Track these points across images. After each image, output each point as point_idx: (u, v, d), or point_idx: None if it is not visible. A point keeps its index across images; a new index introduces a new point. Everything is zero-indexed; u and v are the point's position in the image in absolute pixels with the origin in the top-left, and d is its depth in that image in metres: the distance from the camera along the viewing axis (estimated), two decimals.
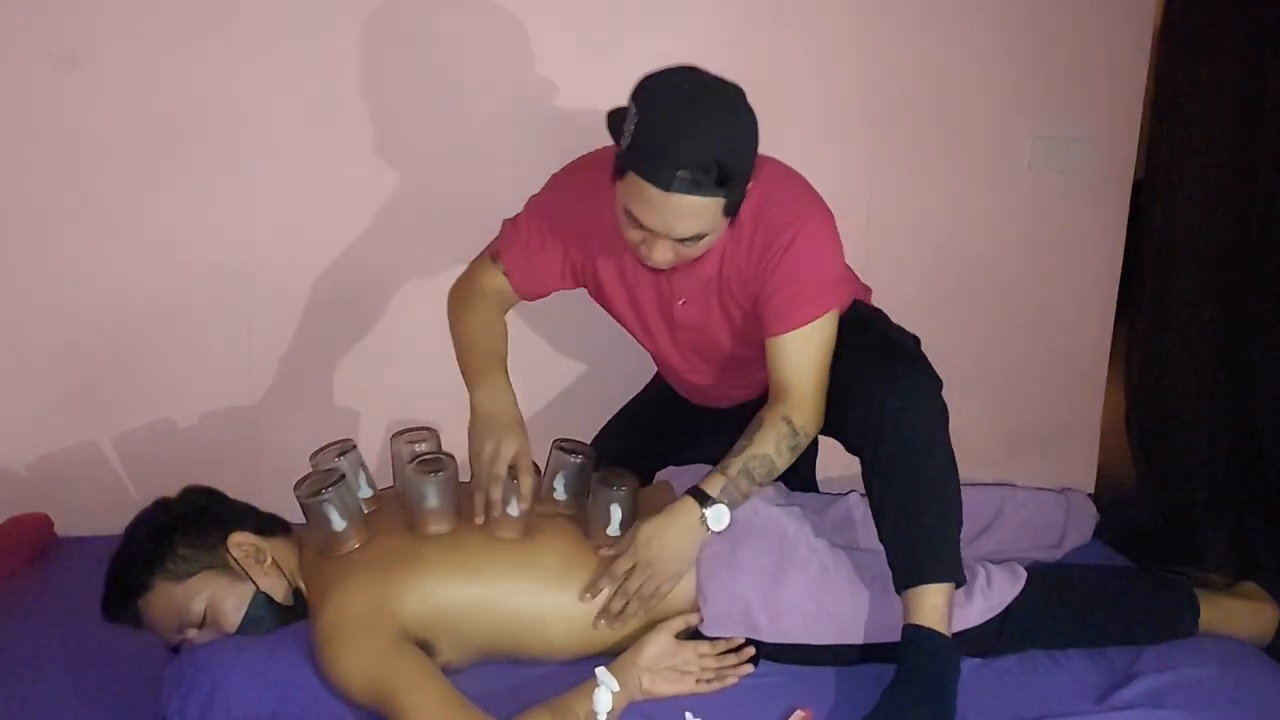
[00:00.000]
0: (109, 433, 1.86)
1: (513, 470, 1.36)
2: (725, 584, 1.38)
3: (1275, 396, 1.91)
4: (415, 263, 1.86)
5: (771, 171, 1.32)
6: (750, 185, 1.28)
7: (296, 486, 1.40)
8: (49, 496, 1.82)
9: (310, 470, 1.47)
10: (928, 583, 1.32)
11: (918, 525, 1.34)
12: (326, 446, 1.51)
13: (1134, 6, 1.96)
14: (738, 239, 1.36)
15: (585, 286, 1.54)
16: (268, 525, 1.43)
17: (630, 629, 1.37)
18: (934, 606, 1.31)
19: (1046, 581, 1.44)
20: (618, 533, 1.40)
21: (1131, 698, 1.32)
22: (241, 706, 1.23)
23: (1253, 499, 1.93)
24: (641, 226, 1.25)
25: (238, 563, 1.35)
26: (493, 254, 1.51)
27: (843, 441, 1.43)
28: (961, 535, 1.61)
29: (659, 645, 1.33)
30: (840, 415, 1.40)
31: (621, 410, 1.80)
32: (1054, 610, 1.43)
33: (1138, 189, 2.07)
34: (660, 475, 1.58)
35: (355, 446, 1.50)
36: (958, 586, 1.34)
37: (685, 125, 1.19)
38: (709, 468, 1.39)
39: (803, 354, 1.39)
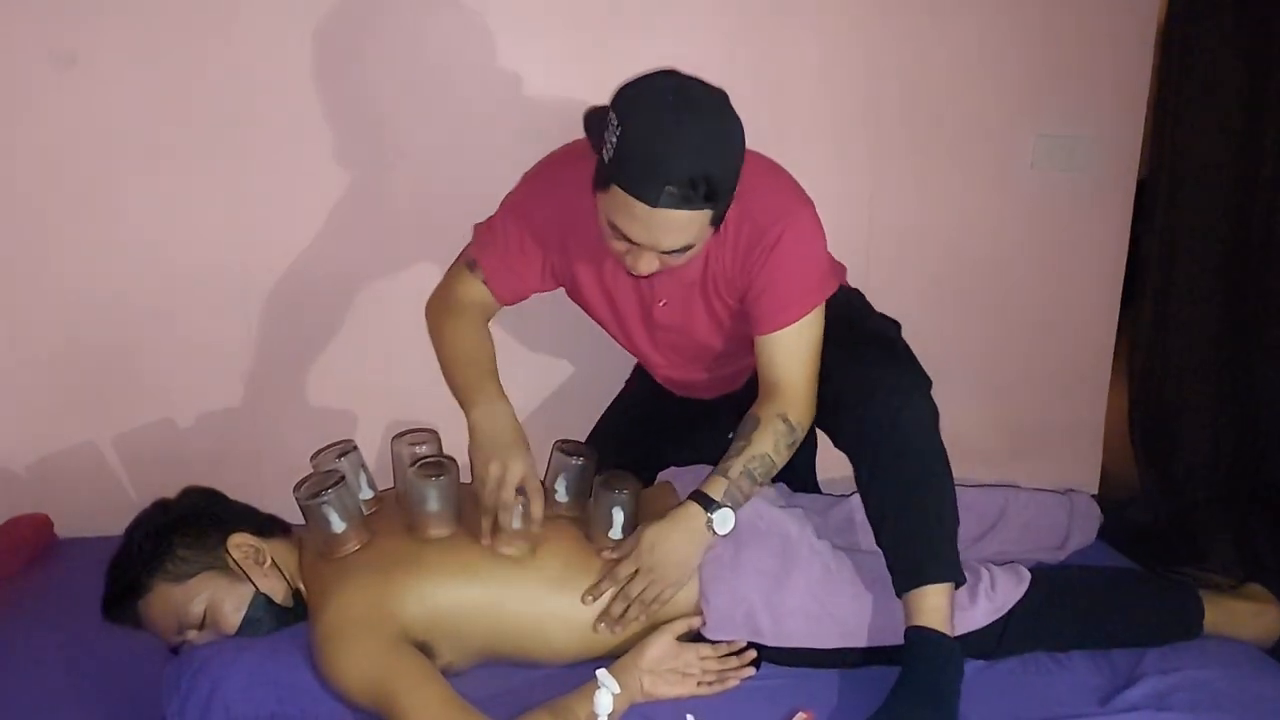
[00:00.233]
0: (109, 433, 1.86)
1: (520, 493, 1.33)
2: (728, 586, 1.37)
3: (1279, 397, 1.91)
4: (416, 263, 1.85)
5: (753, 167, 1.28)
6: None
7: (296, 488, 1.40)
8: (48, 497, 1.82)
9: (310, 471, 1.46)
10: (928, 584, 1.31)
11: (916, 527, 1.34)
12: (327, 447, 1.50)
13: (1137, 4, 1.95)
14: (722, 239, 1.35)
15: (563, 285, 1.52)
16: (267, 526, 1.43)
17: (631, 632, 1.36)
18: (936, 608, 1.31)
19: (1050, 583, 1.44)
20: (620, 535, 1.40)
21: (1135, 700, 1.32)
22: (241, 708, 1.23)
23: (1257, 500, 1.92)
24: (627, 239, 1.23)
25: (237, 564, 1.35)
26: (468, 262, 1.46)
27: (833, 440, 1.42)
28: (965, 536, 1.61)
29: (660, 647, 1.32)
30: (831, 418, 1.40)
31: (609, 409, 1.79)
32: (1058, 612, 1.42)
33: (1141, 187, 2.06)
34: (662, 476, 1.58)
35: (356, 448, 1.50)
36: (958, 587, 1.34)
37: (672, 139, 1.15)
38: (710, 468, 1.38)
39: (793, 350, 1.38)
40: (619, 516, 1.39)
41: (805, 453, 1.67)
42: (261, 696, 1.24)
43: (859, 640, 1.38)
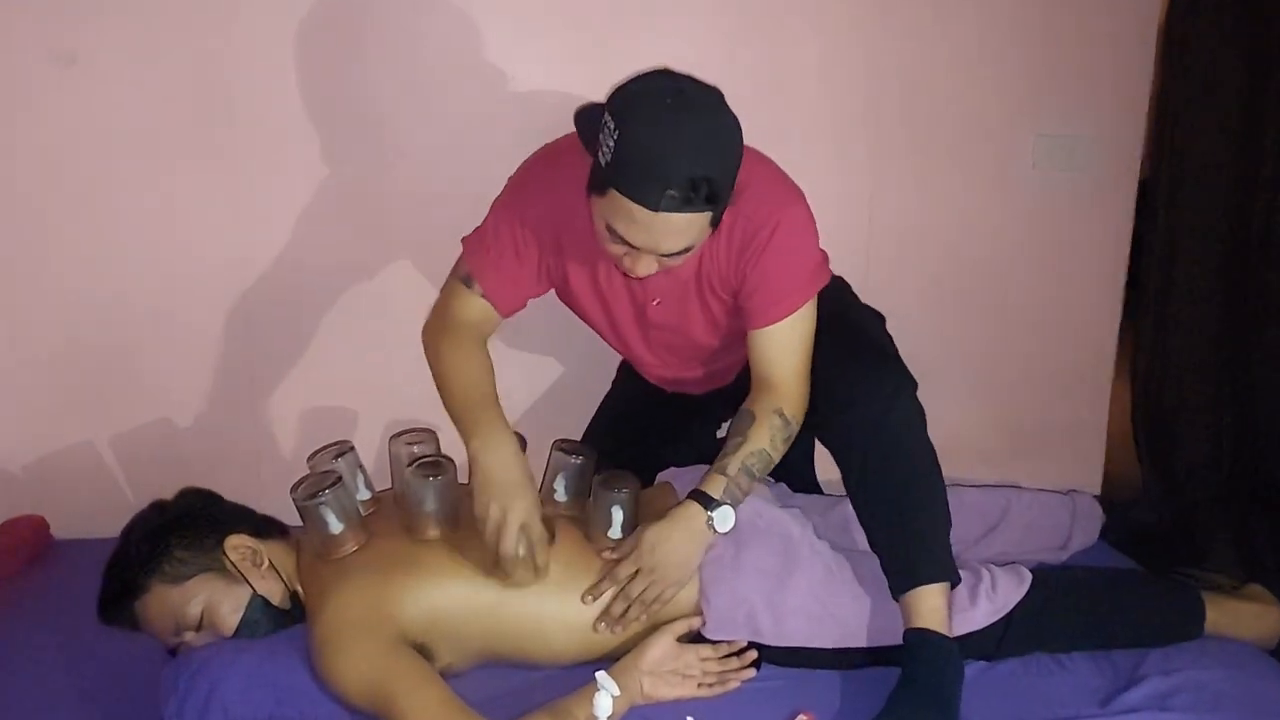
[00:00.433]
0: (106, 434, 1.86)
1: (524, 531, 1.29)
2: (729, 586, 1.37)
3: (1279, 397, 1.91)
4: (416, 263, 1.85)
5: (745, 161, 1.26)
6: None
7: (293, 489, 1.39)
8: (45, 498, 1.82)
9: (308, 472, 1.46)
10: (924, 584, 1.31)
11: (908, 528, 1.34)
12: (324, 448, 1.50)
13: (1138, 4, 1.95)
14: (716, 235, 1.33)
15: (555, 287, 1.50)
16: (265, 528, 1.42)
17: (632, 632, 1.36)
18: (934, 608, 1.31)
19: (1051, 584, 1.43)
20: (619, 535, 1.39)
21: (1137, 701, 1.31)
22: (239, 709, 1.23)
23: (1258, 500, 1.92)
24: (626, 243, 1.22)
25: (235, 565, 1.35)
26: (463, 277, 1.42)
27: (821, 442, 1.42)
28: (967, 537, 1.62)
29: (660, 649, 1.32)
30: (818, 421, 1.39)
31: (601, 409, 1.79)
32: (1059, 613, 1.42)
33: (1142, 187, 2.06)
34: (662, 476, 1.57)
35: (353, 448, 1.50)
36: (954, 586, 1.34)
37: (672, 142, 1.14)
38: (709, 468, 1.38)
39: (787, 344, 1.38)
40: (618, 516, 1.39)
41: (804, 453, 1.67)
42: (259, 698, 1.24)
43: (859, 640, 1.38)
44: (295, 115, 1.75)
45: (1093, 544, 1.72)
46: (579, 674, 1.28)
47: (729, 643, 1.37)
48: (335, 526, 1.35)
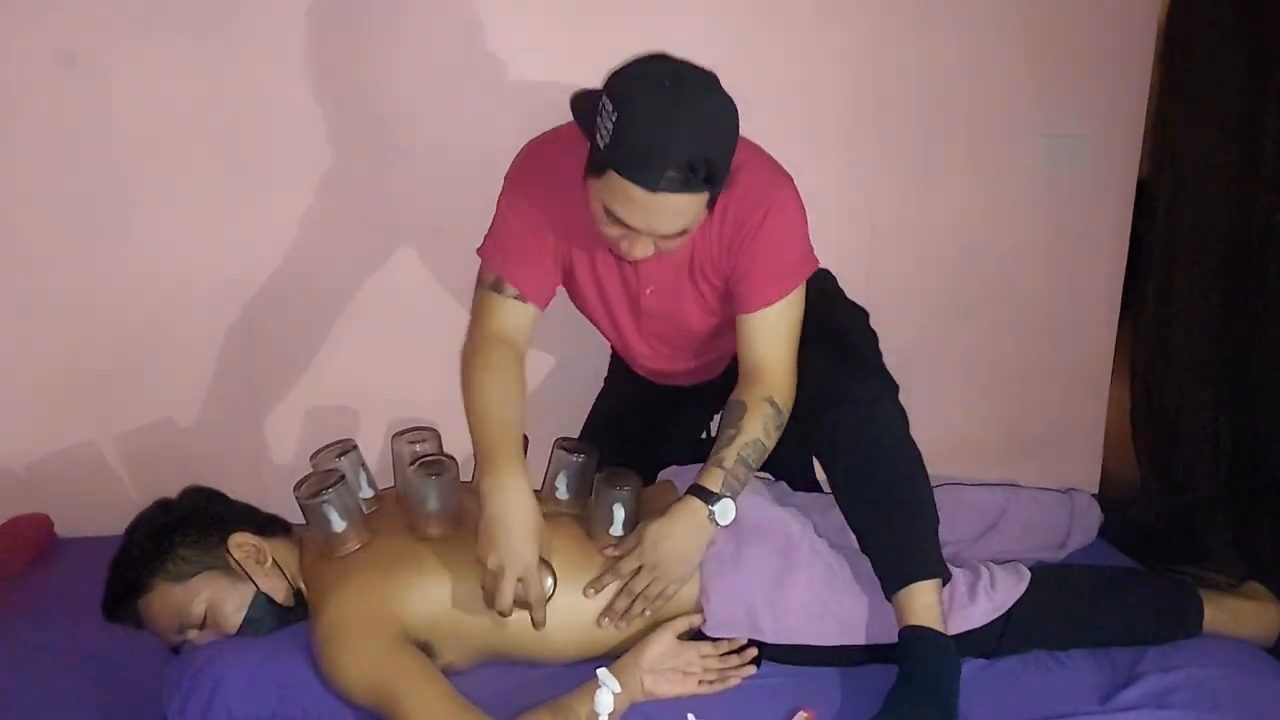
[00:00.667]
0: (109, 433, 1.86)
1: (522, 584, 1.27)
2: (729, 584, 1.38)
3: (1279, 396, 1.91)
4: (417, 262, 1.85)
5: (737, 148, 1.27)
6: None
7: (296, 487, 1.39)
8: (49, 497, 1.82)
9: (310, 471, 1.46)
10: (917, 580, 1.32)
11: (897, 528, 1.35)
12: (327, 447, 1.50)
13: (1138, 4, 1.95)
14: (709, 221, 1.34)
15: (564, 273, 1.49)
16: (268, 526, 1.43)
17: (633, 629, 1.36)
18: (927, 605, 1.31)
19: (1050, 582, 1.44)
20: (620, 532, 1.40)
21: (1135, 698, 1.32)
22: (242, 707, 1.23)
23: (1258, 499, 1.92)
24: (623, 224, 1.22)
25: (238, 563, 1.35)
26: (492, 285, 1.40)
27: (807, 444, 1.42)
28: (966, 535, 1.63)
29: (661, 646, 1.32)
30: (804, 427, 1.40)
31: (595, 409, 1.80)
32: (1058, 611, 1.43)
33: (1142, 187, 2.06)
34: (663, 474, 1.58)
35: (356, 447, 1.50)
36: (945, 583, 1.34)
37: (670, 124, 1.15)
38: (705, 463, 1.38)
39: (776, 329, 1.39)
40: (620, 513, 1.39)
41: (804, 452, 1.67)
42: (263, 696, 1.24)
43: (859, 638, 1.38)
44: (297, 116, 1.76)
45: (1091, 542, 1.72)
46: (580, 671, 1.29)
47: (729, 640, 1.37)
48: (338, 525, 1.36)
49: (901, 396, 1.45)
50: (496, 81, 1.80)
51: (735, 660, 1.36)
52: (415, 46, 1.78)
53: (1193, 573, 1.62)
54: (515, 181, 1.42)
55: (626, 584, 1.36)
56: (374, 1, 1.74)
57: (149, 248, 1.78)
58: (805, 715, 1.27)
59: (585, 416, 1.81)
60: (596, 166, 1.21)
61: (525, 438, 1.40)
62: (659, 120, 1.15)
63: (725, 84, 1.23)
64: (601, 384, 1.84)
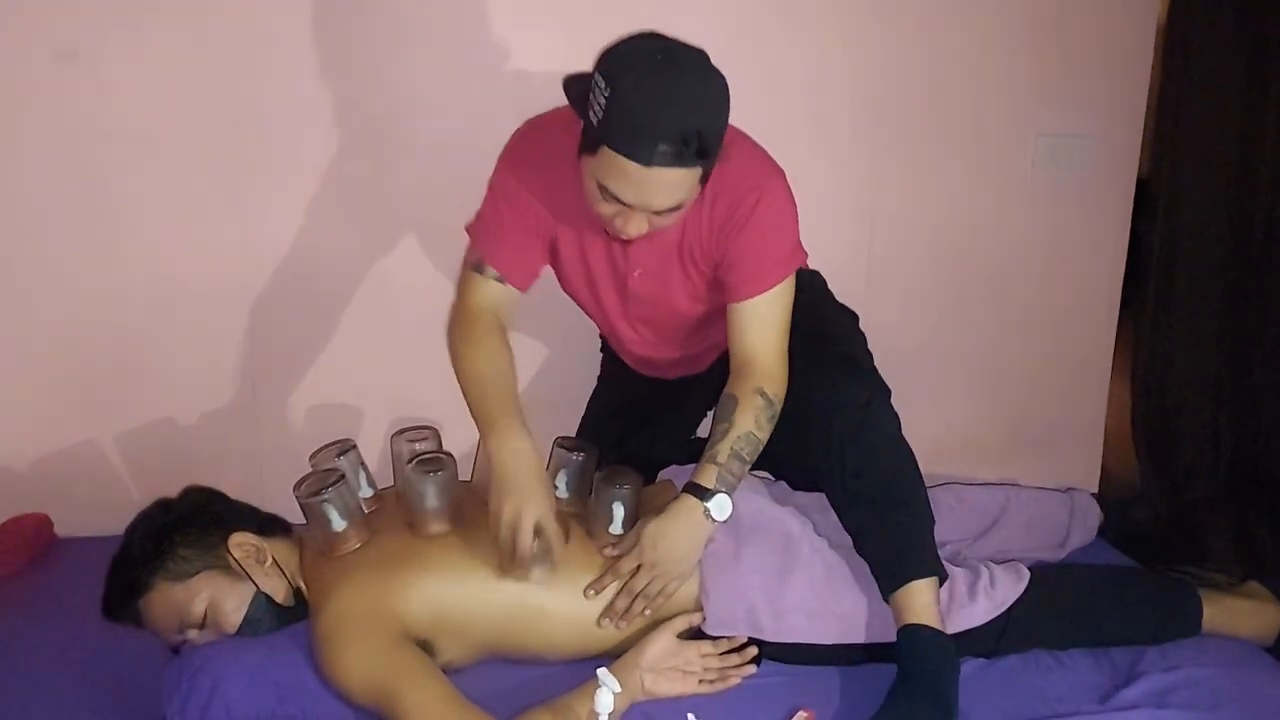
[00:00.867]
0: (110, 432, 1.86)
1: (537, 534, 1.29)
2: (729, 583, 1.38)
3: (1279, 396, 1.91)
4: (418, 261, 1.85)
5: (727, 137, 1.26)
6: None
7: (296, 486, 1.40)
8: (49, 496, 1.82)
9: (310, 470, 1.46)
10: (914, 579, 1.32)
11: (894, 528, 1.35)
12: (326, 446, 1.50)
13: (1138, 4, 1.95)
14: (699, 205, 1.35)
15: (551, 254, 1.50)
16: (268, 525, 1.43)
17: (634, 628, 1.37)
18: (926, 604, 1.32)
19: (1050, 581, 1.44)
20: (620, 530, 1.40)
21: (1135, 698, 1.32)
22: (241, 707, 1.23)
23: (1257, 498, 1.92)
24: (618, 201, 1.23)
25: (238, 563, 1.35)
26: (474, 265, 1.43)
27: (802, 451, 1.42)
28: (966, 534, 1.63)
29: (661, 645, 1.32)
30: (796, 434, 1.40)
31: (590, 408, 1.80)
32: (1057, 610, 1.43)
33: (1142, 187, 2.06)
34: (664, 474, 1.58)
35: (355, 446, 1.50)
36: (941, 583, 1.35)
37: (663, 98, 1.16)
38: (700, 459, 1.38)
39: (766, 320, 1.39)
40: (619, 512, 1.40)
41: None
42: (262, 696, 1.24)
43: (859, 637, 1.38)
44: (298, 114, 1.76)
45: (1091, 542, 1.73)
46: (580, 670, 1.29)
47: (729, 639, 1.37)
48: (338, 524, 1.36)
49: (902, 395, 1.45)
50: (498, 80, 1.80)
51: (735, 659, 1.36)
52: (416, 45, 1.78)
53: (1192, 572, 1.62)
54: (506, 160, 1.43)
55: (626, 583, 1.36)
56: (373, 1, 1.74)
57: (150, 247, 1.78)
58: (805, 715, 1.27)
59: (581, 415, 1.81)
60: (590, 144, 1.22)
61: None
62: (651, 95, 1.16)
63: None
64: (594, 384, 1.84)
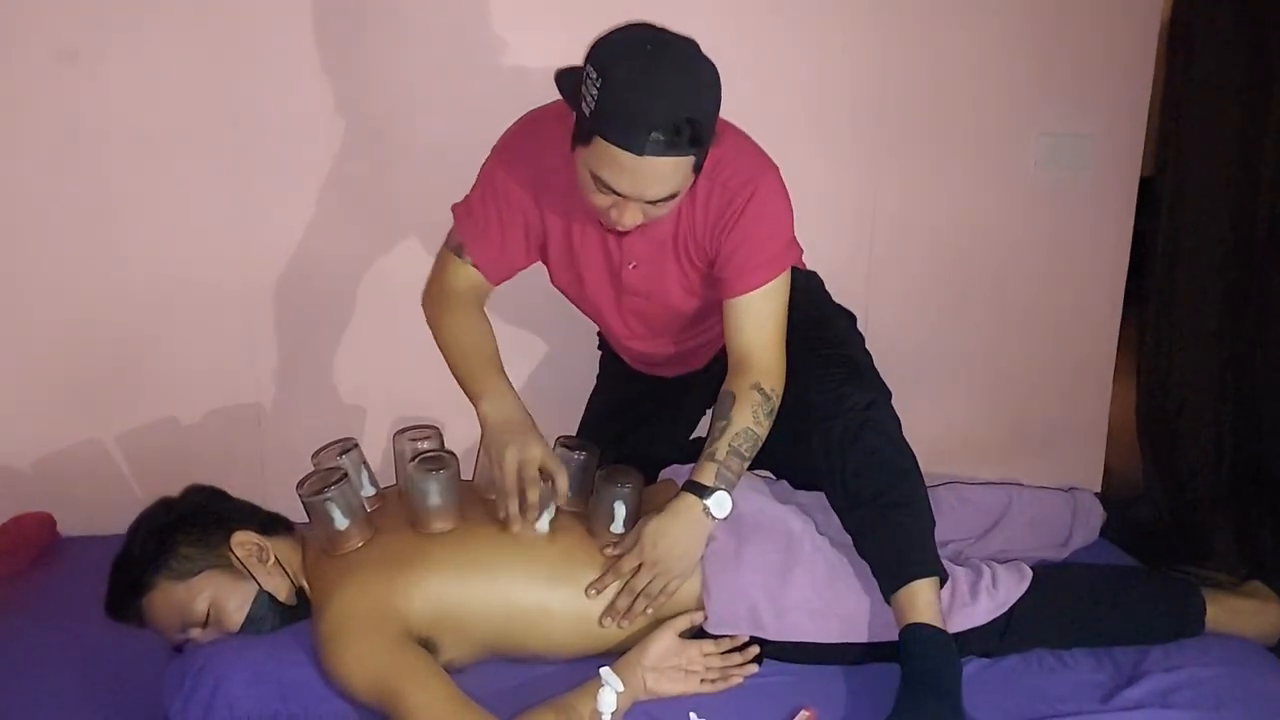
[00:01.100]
0: (112, 431, 1.86)
1: (544, 473, 1.35)
2: (731, 582, 1.38)
3: None
4: (419, 260, 1.85)
5: (720, 131, 1.27)
6: None
7: (299, 485, 1.40)
8: (52, 495, 1.83)
9: (313, 469, 1.47)
10: (915, 579, 1.32)
11: (895, 528, 1.35)
12: (328, 445, 1.51)
13: (1140, 3, 1.95)
14: (693, 198, 1.35)
15: (540, 254, 1.51)
16: (271, 524, 1.43)
17: (636, 628, 1.37)
18: (928, 603, 1.32)
19: (1052, 581, 1.44)
20: (621, 529, 1.40)
21: (1138, 697, 1.32)
22: (244, 706, 1.23)
23: (1260, 498, 1.92)
24: (612, 191, 1.23)
25: (241, 562, 1.35)
26: (455, 247, 1.46)
27: (802, 454, 1.42)
28: (968, 533, 1.63)
29: (663, 644, 1.32)
30: (796, 437, 1.40)
31: (589, 408, 1.80)
32: (1060, 609, 1.43)
33: (1145, 186, 2.06)
34: (665, 473, 1.58)
35: (357, 445, 1.50)
36: (942, 583, 1.35)
37: (654, 87, 1.16)
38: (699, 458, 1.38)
39: (762, 314, 1.39)
40: (621, 511, 1.40)
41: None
42: (265, 694, 1.24)
43: (861, 636, 1.38)
44: (299, 114, 1.76)
45: (1094, 541, 1.72)
46: (582, 669, 1.28)
47: (731, 638, 1.37)
48: (341, 522, 1.36)
49: (903, 396, 1.45)
50: (498, 80, 1.80)
51: (737, 658, 1.36)
52: (416, 45, 1.78)
53: (1195, 571, 1.62)
54: (498, 153, 1.44)
55: (627, 582, 1.36)
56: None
57: (151, 246, 1.78)
58: (807, 714, 1.27)
59: (581, 415, 1.81)
60: (583, 135, 1.22)
61: None
62: (642, 84, 1.16)
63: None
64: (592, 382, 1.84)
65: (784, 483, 1.62)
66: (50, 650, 1.44)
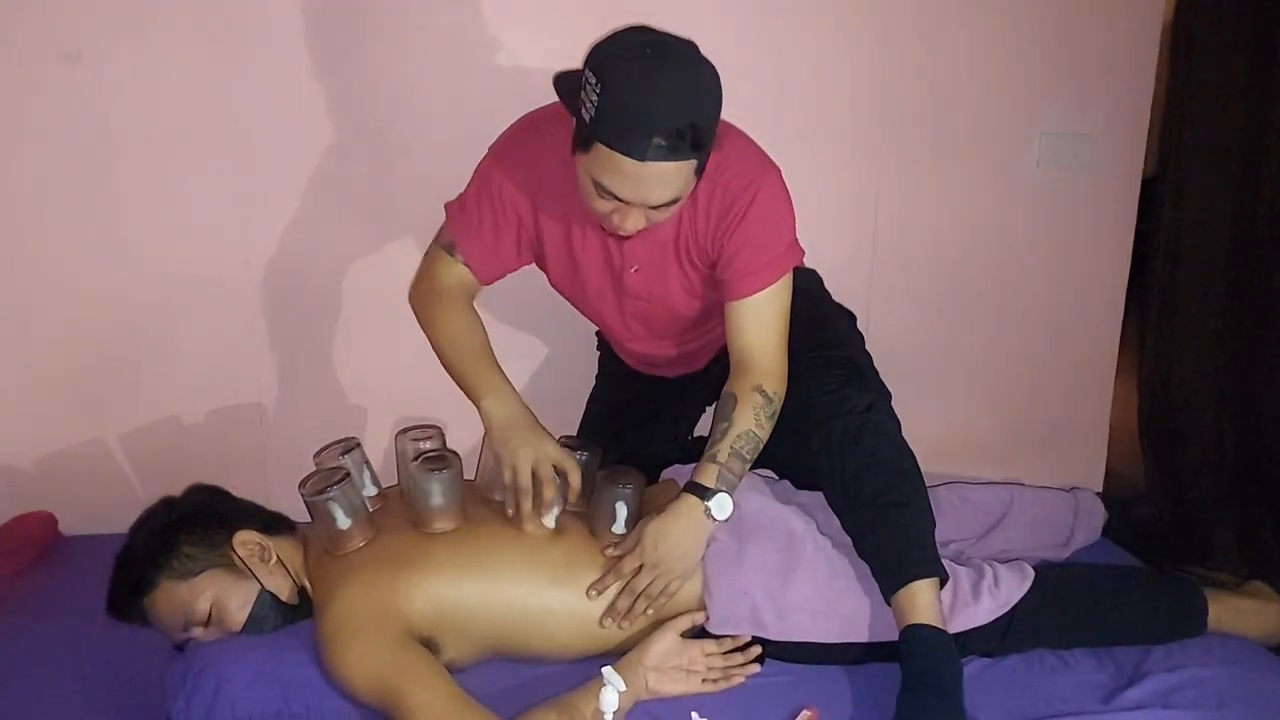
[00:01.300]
0: (115, 431, 1.86)
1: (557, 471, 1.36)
2: (732, 582, 1.38)
3: None
4: (418, 260, 1.84)
5: (721, 132, 1.26)
6: None
7: (301, 485, 1.40)
8: (54, 494, 1.83)
9: (315, 469, 1.47)
10: (916, 579, 1.32)
11: (895, 528, 1.35)
12: (330, 445, 1.51)
13: (1142, 3, 1.95)
14: (695, 201, 1.35)
15: (535, 256, 1.50)
16: (273, 524, 1.43)
17: (637, 628, 1.37)
18: (929, 603, 1.32)
19: (1054, 581, 1.44)
20: (623, 530, 1.40)
21: (1139, 697, 1.32)
22: (246, 705, 1.23)
23: (1261, 497, 1.92)
24: (614, 197, 1.22)
25: (243, 561, 1.35)
26: (446, 245, 1.46)
27: (803, 455, 1.42)
28: (970, 533, 1.63)
29: (665, 644, 1.32)
30: (796, 438, 1.40)
31: (589, 408, 1.80)
32: (1061, 609, 1.43)
33: (1147, 185, 2.06)
34: (667, 474, 1.58)
35: (359, 445, 1.50)
36: (943, 584, 1.35)
37: (655, 92, 1.15)
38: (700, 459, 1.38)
39: (765, 317, 1.39)
40: (622, 511, 1.40)
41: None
42: (267, 694, 1.24)
43: (862, 636, 1.38)
44: (299, 114, 1.76)
45: (1095, 541, 1.72)
46: (584, 669, 1.29)
47: (733, 638, 1.37)
48: (343, 522, 1.36)
49: (904, 396, 1.45)
50: (498, 80, 1.80)
51: (739, 658, 1.36)
52: (416, 45, 1.78)
53: (1197, 572, 1.62)
54: (495, 154, 1.44)
55: (628, 583, 1.36)
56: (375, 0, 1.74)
57: (153, 246, 1.79)
58: (809, 714, 1.27)
59: (581, 415, 1.82)
60: (583, 141, 1.21)
61: None
62: (643, 89, 1.15)
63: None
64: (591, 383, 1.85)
65: (785, 483, 1.62)
66: (52, 650, 1.44)
